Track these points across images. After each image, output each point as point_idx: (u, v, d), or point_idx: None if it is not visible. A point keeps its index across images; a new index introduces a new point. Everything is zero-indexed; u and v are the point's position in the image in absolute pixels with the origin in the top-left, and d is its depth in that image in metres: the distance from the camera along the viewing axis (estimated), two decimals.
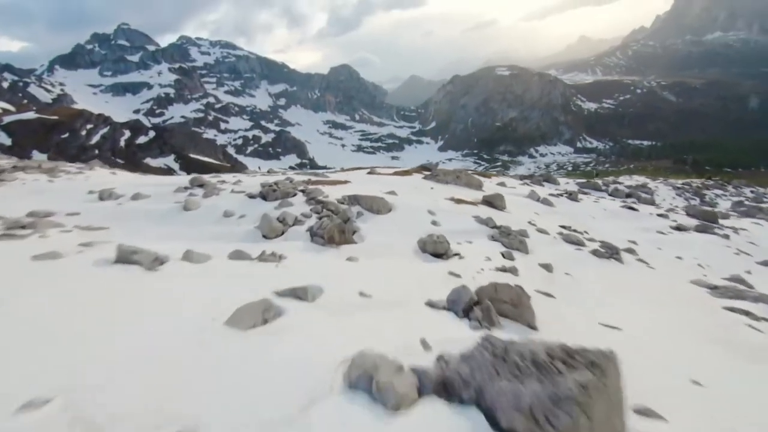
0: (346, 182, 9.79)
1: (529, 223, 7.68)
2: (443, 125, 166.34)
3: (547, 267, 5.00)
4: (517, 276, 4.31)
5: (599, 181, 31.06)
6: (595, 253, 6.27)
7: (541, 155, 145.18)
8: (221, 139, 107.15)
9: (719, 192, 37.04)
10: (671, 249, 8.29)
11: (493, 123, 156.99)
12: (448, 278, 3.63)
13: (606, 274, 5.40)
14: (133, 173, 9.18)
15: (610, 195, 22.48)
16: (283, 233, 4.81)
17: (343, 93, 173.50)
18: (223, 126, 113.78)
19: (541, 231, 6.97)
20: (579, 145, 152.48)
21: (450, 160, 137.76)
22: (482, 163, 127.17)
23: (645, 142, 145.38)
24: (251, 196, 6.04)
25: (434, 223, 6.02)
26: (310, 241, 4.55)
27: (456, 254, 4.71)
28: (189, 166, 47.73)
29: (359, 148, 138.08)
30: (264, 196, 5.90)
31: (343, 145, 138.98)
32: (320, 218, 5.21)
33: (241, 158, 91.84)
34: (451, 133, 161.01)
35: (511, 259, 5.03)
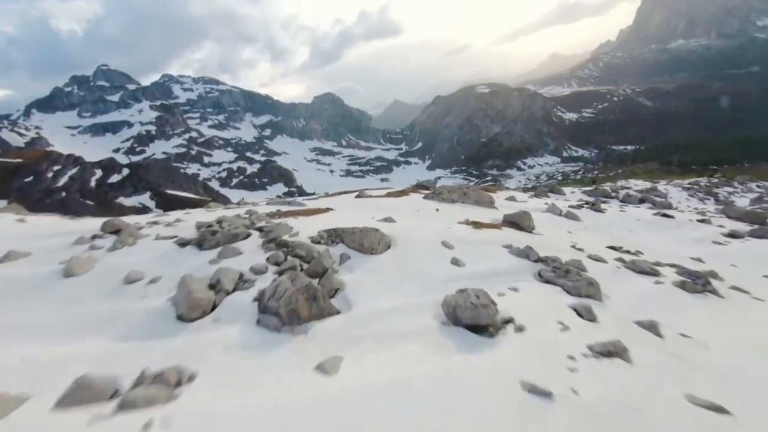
0: (327, 210, 7.82)
1: (573, 247, 5.83)
2: (429, 145, 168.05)
3: (652, 327, 3.11)
4: (630, 364, 2.40)
5: (607, 188, 29.67)
6: (682, 286, 4.42)
7: (529, 167, 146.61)
8: (205, 173, 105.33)
9: (730, 189, 36.08)
10: (747, 264, 6.54)
11: (478, 139, 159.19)
12: (526, 402, 1.78)
13: (729, 325, 3.54)
14: (54, 218, 6.95)
15: (622, 201, 21.07)
16: (213, 308, 2.85)
17: (329, 120, 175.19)
18: (206, 160, 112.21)
19: (595, 258, 5.11)
20: (565, 154, 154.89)
21: (439, 178, 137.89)
22: (472, 179, 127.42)
23: (628, 147, 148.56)
24: (182, 244, 4.08)
25: (455, 262, 4.11)
26: (256, 324, 2.60)
27: (507, 321, 2.80)
28: (166, 202, 45.50)
29: (348, 173, 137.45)
30: (199, 243, 3.94)
31: (331, 171, 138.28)
32: (280, 273, 3.29)
33: (225, 191, 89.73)
34: (437, 152, 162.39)
35: (591, 317, 3.13)
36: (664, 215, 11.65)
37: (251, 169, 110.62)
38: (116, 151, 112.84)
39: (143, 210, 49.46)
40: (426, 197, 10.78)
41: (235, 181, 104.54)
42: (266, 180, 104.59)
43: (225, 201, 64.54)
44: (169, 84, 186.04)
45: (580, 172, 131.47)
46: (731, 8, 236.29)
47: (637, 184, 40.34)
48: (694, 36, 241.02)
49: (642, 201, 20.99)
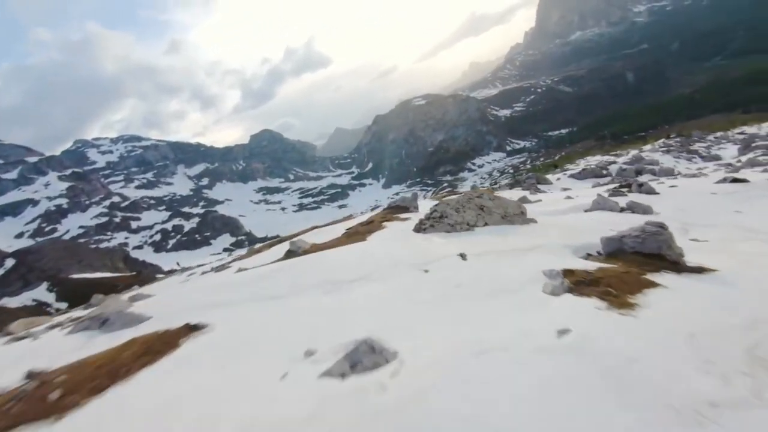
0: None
1: None
2: (380, 164, 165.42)
3: None
4: None
5: (594, 167, 26.64)
6: None
7: (479, 166, 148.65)
8: (135, 240, 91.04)
9: (703, 145, 33.60)
10: None
11: (425, 149, 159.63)
12: None
13: None
14: None
15: (617, 176, 18.67)
16: None
17: (271, 157, 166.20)
18: (134, 225, 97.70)
19: None
20: (508, 148, 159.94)
21: (397, 194, 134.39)
22: (428, 188, 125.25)
23: (562, 131, 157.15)
24: None
25: None
26: None
27: None
28: (69, 291, 34.76)
29: (301, 207, 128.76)
30: None
31: (282, 209, 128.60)
32: None
33: (160, 257, 77.36)
34: (390, 169, 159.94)
35: None
36: (735, 180, 8.91)
37: (189, 225, 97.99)
38: (19, 236, 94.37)
39: (37, 309, 37.70)
40: (418, 229, 4.30)
41: (172, 242, 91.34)
42: (208, 234, 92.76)
43: (155, 270, 53.40)
44: (83, 150, 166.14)
45: (528, 162, 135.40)
46: (611, 0, 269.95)
47: (616, 158, 36.94)
48: (588, 27, 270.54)
49: (638, 172, 19.67)
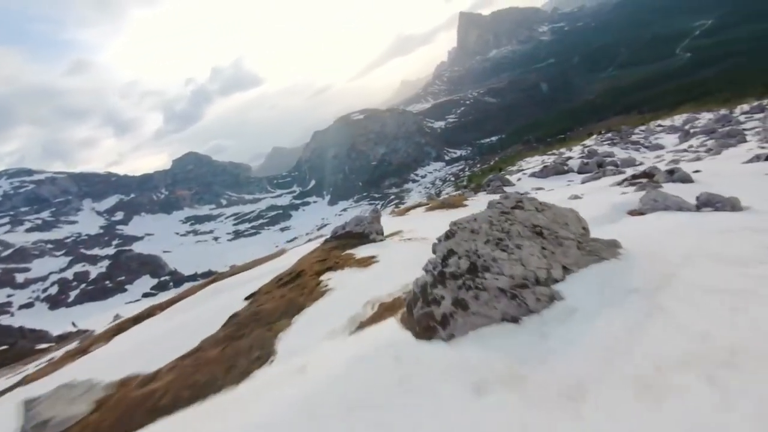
0: None
1: None
2: (323, 180, 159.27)
3: None
4: None
5: (558, 164, 25.72)
6: None
7: (422, 177, 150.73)
8: (21, 298, 72.74)
9: (638, 137, 34.46)
10: None
11: (368, 163, 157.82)
12: None
13: None
14: None
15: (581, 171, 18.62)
16: None
17: (198, 182, 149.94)
18: (21, 278, 78.62)
19: None
20: (447, 158, 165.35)
21: (344, 210, 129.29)
22: (376, 201, 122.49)
23: (493, 138, 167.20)
24: None
25: None
26: None
27: None
28: None
29: (237, 234, 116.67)
30: None
31: (215, 239, 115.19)
32: None
33: (58, 314, 62.33)
34: (334, 186, 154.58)
35: None
36: None
37: (97, 269, 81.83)
38: None
39: None
40: (425, 329, 2.82)
41: (74, 293, 74.84)
42: (122, 278, 77.96)
43: (38, 338, 41.36)
44: None
45: (466, 169, 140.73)
46: (519, 21, 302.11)
47: (544, 158, 36.78)
48: (502, 45, 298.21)
49: (600, 165, 20.05)
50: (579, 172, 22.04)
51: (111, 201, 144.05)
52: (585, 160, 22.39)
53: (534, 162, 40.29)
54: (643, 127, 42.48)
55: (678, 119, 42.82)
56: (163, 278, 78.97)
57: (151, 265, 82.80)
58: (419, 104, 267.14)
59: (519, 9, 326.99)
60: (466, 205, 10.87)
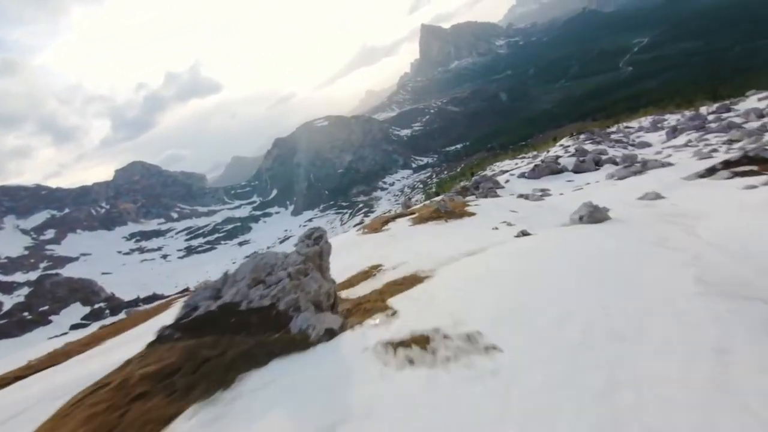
0: None
1: None
2: (286, 189, 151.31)
3: None
4: None
5: (551, 162, 22.30)
6: None
7: (390, 184, 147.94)
8: None
9: (617, 136, 33.16)
10: None
11: (335, 171, 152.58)
12: None
13: None
14: None
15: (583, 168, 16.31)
16: None
17: (145, 194, 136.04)
18: None
19: None
20: (414, 165, 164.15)
21: (310, 220, 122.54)
22: (344, 210, 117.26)
23: (458, 146, 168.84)
24: None
25: None
26: None
27: None
28: None
29: (190, 251, 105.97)
30: None
31: (164, 256, 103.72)
32: None
33: None
34: (298, 195, 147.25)
35: None
36: None
37: (13, 300, 69.31)
38: None
39: None
40: None
41: None
42: (46, 308, 66.30)
43: None
44: None
45: (433, 176, 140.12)
46: (478, 35, 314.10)
47: (515, 162, 34.54)
48: (463, 57, 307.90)
49: (597, 162, 18.59)
50: (575, 171, 19.26)
51: (40, 217, 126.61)
52: (580, 158, 19.60)
53: (509, 165, 38.15)
54: (614, 128, 41.81)
55: (644, 121, 42.75)
56: (97, 305, 68.17)
57: (83, 290, 71.41)
58: (385, 113, 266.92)
59: (477, 23, 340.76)
60: (472, 213, 6.89)
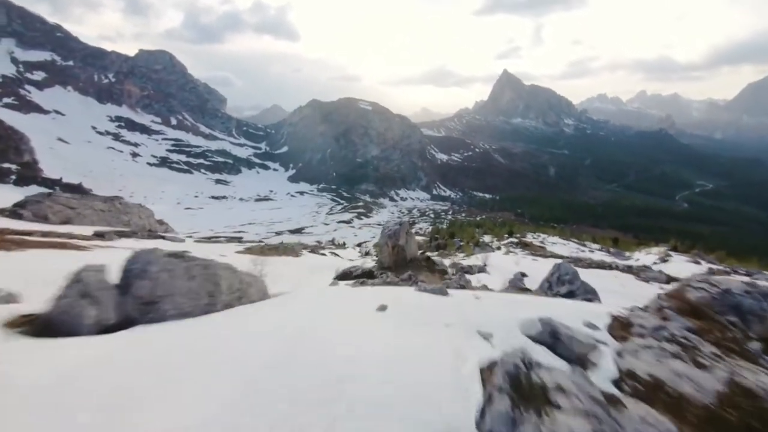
0: None
1: None
2: (297, 152, 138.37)
3: None
4: None
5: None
6: None
7: (402, 199, 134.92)
8: None
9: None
10: None
11: (354, 158, 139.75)
12: None
13: None
14: None
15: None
16: None
17: (155, 86, 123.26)
18: None
19: None
20: (434, 192, 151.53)
21: (302, 193, 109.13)
22: (341, 201, 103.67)
23: (486, 195, 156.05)
24: None
25: None
26: None
27: None
28: None
29: (163, 162, 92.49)
30: None
31: (134, 154, 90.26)
32: None
33: None
34: (306, 163, 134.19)
35: None
36: None
37: None
38: None
39: None
40: None
41: None
42: None
43: None
44: None
45: (449, 213, 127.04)
46: (552, 104, 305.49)
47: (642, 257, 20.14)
48: (529, 117, 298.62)
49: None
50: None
51: (39, 56, 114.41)
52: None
53: (570, 248, 24.29)
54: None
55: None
56: (7, 165, 54.50)
57: (6, 141, 57.65)
58: (431, 131, 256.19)
59: (555, 94, 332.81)
60: None
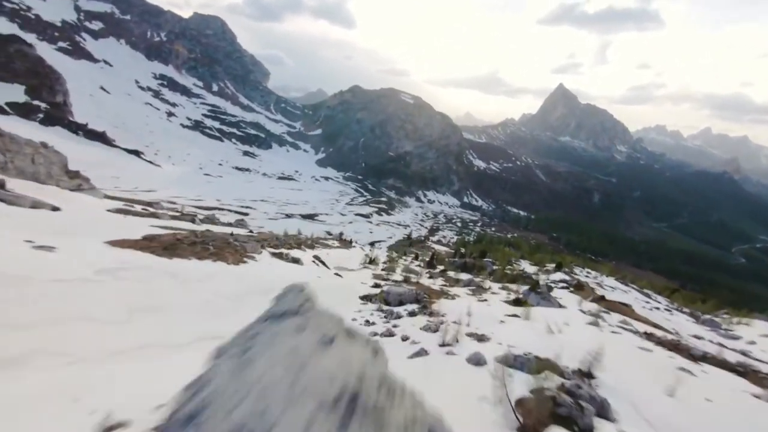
0: None
1: None
2: (330, 136, 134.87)
3: None
4: None
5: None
6: None
7: (429, 201, 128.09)
8: None
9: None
10: None
11: (386, 151, 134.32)
12: None
13: None
14: None
15: None
16: None
17: (203, 50, 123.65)
18: None
19: None
20: (465, 199, 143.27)
21: (327, 178, 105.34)
22: (365, 193, 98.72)
23: (521, 212, 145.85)
24: None
25: None
26: None
27: None
28: None
29: (197, 125, 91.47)
30: None
31: (169, 113, 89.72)
32: None
33: None
34: (337, 148, 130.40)
35: None
36: None
37: None
38: None
39: None
40: None
41: None
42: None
43: None
44: None
45: (479, 224, 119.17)
46: (606, 127, 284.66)
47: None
48: (579, 138, 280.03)
49: None
50: None
51: (102, 6, 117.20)
52: None
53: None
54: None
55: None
56: (36, 102, 53.66)
57: (43, 77, 57.04)
58: (471, 135, 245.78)
59: (611, 117, 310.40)
60: None
